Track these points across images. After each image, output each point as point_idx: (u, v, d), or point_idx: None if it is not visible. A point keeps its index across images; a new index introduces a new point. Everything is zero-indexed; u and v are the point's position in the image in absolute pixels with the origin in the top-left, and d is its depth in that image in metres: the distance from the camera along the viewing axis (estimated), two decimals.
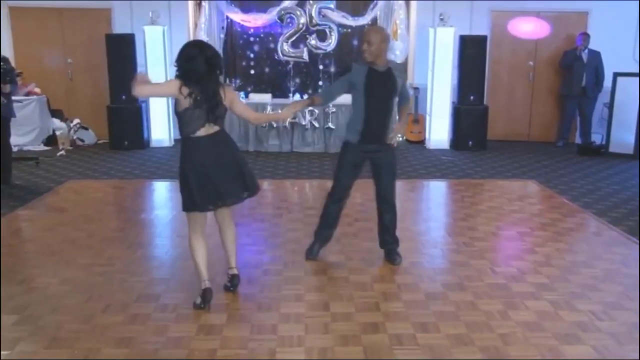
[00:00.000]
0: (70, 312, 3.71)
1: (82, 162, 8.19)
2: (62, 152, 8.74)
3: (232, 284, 3.99)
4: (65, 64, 9.68)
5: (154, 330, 3.48)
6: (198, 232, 3.77)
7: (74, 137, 9.28)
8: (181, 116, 3.63)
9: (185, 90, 3.55)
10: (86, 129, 9.43)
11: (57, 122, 9.27)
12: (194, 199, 3.64)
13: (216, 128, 3.70)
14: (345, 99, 9.39)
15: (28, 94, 9.08)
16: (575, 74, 9.27)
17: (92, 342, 3.33)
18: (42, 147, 9.04)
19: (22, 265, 4.52)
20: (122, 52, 8.82)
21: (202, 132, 3.64)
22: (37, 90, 9.23)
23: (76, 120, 9.33)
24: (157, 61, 9.00)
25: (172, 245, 5.04)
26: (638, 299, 3.91)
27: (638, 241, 4.97)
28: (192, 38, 9.48)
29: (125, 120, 8.97)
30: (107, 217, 5.90)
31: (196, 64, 3.57)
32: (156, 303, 3.84)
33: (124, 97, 8.89)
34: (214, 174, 3.63)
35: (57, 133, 9.10)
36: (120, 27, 9.38)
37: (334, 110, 8.75)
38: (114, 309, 3.74)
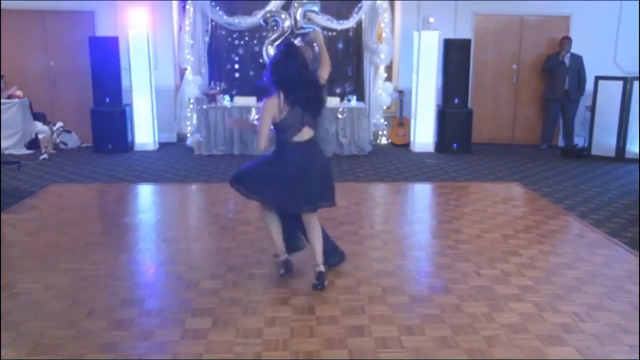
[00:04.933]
0: (54, 317, 3.67)
1: (65, 166, 8.12)
2: (45, 155, 8.65)
3: (319, 281, 4.06)
4: (48, 67, 9.59)
5: (138, 335, 3.46)
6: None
7: (57, 141, 9.20)
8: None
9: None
10: (69, 132, 9.36)
11: (39, 126, 9.18)
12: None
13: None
14: (329, 102, 9.38)
15: (10, 97, 8.99)
16: (558, 77, 9.38)
17: (75, 348, 3.30)
18: (25, 151, 8.95)
19: (5, 270, 4.46)
20: (105, 55, 8.78)
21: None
22: (19, 93, 9.13)
23: (59, 124, 9.25)
24: (141, 64, 8.96)
25: (157, 249, 5.01)
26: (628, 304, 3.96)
27: (638, 254, 4.90)
28: (176, 41, 9.47)
29: (109, 123, 8.90)
30: (90, 221, 5.86)
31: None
32: (141, 308, 3.81)
33: (107, 100, 8.86)
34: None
35: (40, 136, 9.02)
36: (103, 30, 9.32)
37: None
38: (97, 314, 3.71)
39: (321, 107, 4.11)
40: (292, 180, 3.94)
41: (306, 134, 4.01)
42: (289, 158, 3.98)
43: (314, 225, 4.11)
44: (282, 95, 3.88)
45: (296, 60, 3.91)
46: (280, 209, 4.10)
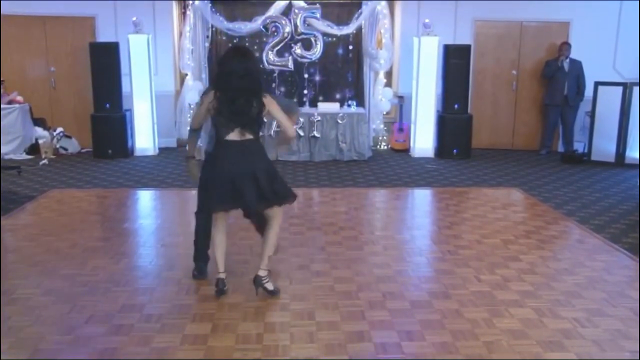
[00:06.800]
0: (53, 323, 3.67)
1: (65, 171, 8.13)
2: (45, 161, 8.66)
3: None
4: (49, 72, 9.60)
5: (138, 340, 3.45)
6: (219, 226, 4.02)
7: (57, 146, 9.20)
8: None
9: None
10: (69, 137, 9.36)
11: (39, 131, 9.19)
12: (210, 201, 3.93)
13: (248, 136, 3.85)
14: (329, 108, 9.39)
15: (10, 102, 9.00)
16: (558, 83, 9.39)
17: (74, 354, 3.30)
18: (25, 156, 8.96)
19: (4, 275, 4.45)
20: (106, 60, 8.79)
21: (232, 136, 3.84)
22: (20, 98, 9.14)
23: (59, 129, 9.25)
24: (141, 70, 8.97)
25: (157, 254, 5.00)
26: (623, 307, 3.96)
27: (638, 260, 4.89)
28: (176, 47, 9.49)
29: (109, 128, 8.91)
30: (90, 226, 5.85)
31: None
32: (140, 313, 3.80)
33: (107, 105, 8.86)
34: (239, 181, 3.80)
35: (40, 142, 9.02)
36: (104, 35, 9.33)
37: (319, 119, 8.77)
38: (97, 320, 3.71)
39: (246, 120, 3.80)
40: (229, 179, 3.78)
41: (241, 134, 3.82)
42: (222, 156, 3.85)
43: (273, 225, 4.02)
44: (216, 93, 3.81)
45: (239, 63, 3.74)
46: (228, 207, 3.94)
